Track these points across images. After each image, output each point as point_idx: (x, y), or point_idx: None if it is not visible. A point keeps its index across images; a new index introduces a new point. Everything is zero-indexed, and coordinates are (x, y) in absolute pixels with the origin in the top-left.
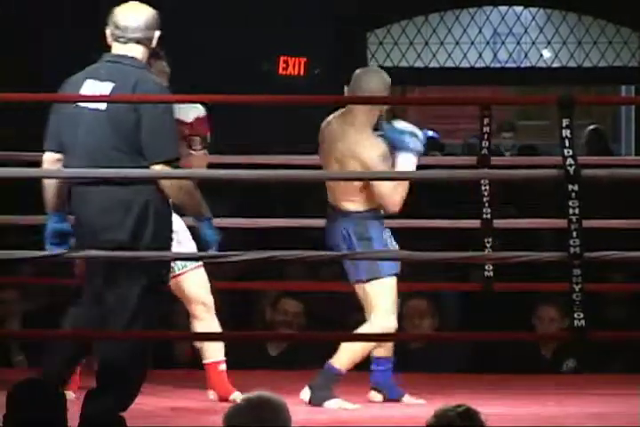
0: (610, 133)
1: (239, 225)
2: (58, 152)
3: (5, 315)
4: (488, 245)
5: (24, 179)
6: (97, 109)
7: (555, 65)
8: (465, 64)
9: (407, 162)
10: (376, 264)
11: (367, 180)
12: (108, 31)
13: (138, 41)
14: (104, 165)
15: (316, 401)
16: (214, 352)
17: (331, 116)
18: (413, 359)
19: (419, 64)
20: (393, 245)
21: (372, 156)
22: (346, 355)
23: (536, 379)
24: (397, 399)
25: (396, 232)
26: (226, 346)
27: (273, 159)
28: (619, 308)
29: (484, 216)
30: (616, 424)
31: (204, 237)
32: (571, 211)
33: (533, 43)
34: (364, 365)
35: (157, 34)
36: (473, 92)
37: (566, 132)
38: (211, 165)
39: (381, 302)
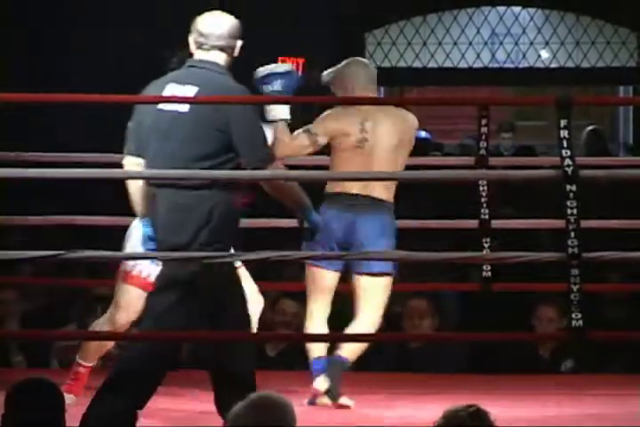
0: (608, 134)
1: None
2: (138, 156)
3: (4, 315)
4: (486, 246)
5: (24, 179)
6: (177, 111)
7: (553, 65)
8: (463, 64)
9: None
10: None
11: (368, 180)
12: (191, 39)
13: (220, 48)
14: (182, 166)
15: (334, 392)
16: None
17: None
18: (413, 359)
19: (417, 64)
20: None
21: None
22: (355, 345)
23: (535, 379)
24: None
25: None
26: None
27: None
28: (617, 308)
29: (482, 217)
30: (615, 425)
31: (309, 227)
32: (569, 211)
33: (531, 43)
34: (362, 364)
35: (240, 43)
36: (471, 93)
37: (564, 133)
38: None
39: (385, 297)
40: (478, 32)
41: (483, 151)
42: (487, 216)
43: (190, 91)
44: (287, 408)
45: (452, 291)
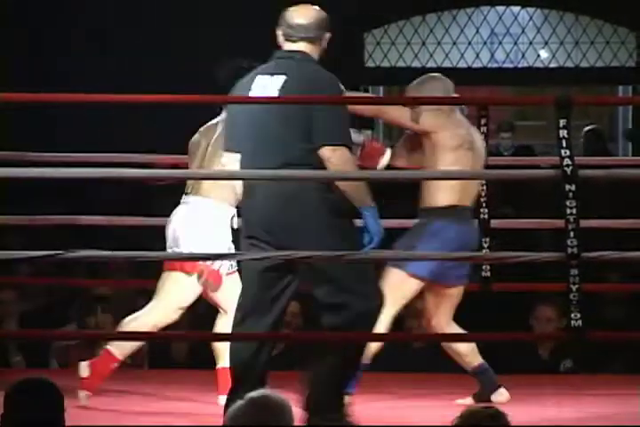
0: (607, 134)
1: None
2: (234, 152)
3: (3, 315)
4: (485, 246)
5: (25, 179)
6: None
7: (552, 65)
8: (462, 64)
9: None
10: None
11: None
12: (279, 31)
13: (308, 40)
14: (274, 156)
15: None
16: None
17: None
18: (414, 359)
19: (416, 64)
20: None
21: None
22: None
23: (534, 379)
24: None
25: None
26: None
27: None
28: (616, 308)
29: (482, 216)
30: (615, 424)
31: (366, 226)
32: (568, 211)
33: (530, 43)
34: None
35: (328, 35)
36: (470, 93)
37: (563, 133)
38: None
39: None
40: (477, 32)
41: None
42: (487, 216)
43: (278, 80)
44: (286, 408)
45: None
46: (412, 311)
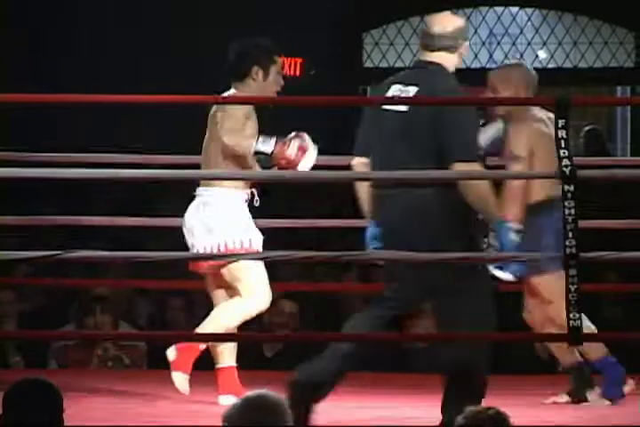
0: (605, 134)
1: None
2: (364, 156)
3: (1, 316)
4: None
5: (24, 179)
6: (397, 111)
7: (550, 66)
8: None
9: None
10: None
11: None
12: (419, 40)
13: (445, 49)
14: (403, 166)
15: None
16: (232, 357)
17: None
18: (415, 359)
19: None
20: None
21: None
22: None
23: (532, 379)
24: None
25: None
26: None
27: None
28: (615, 308)
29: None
30: (614, 425)
31: (500, 241)
32: (566, 211)
33: (529, 43)
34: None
35: (466, 44)
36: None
37: (562, 133)
38: None
39: None
40: (476, 32)
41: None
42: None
43: (412, 91)
44: (283, 408)
45: None
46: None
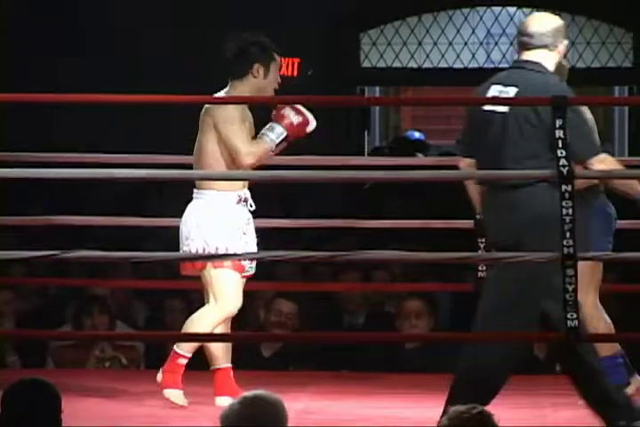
0: (603, 134)
1: None
2: (469, 157)
3: None
4: (481, 246)
5: (24, 179)
6: (498, 111)
7: None
8: (458, 64)
9: None
10: None
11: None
12: (517, 40)
13: (544, 47)
14: (509, 166)
15: None
16: (227, 358)
17: None
18: (409, 360)
19: (412, 64)
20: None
21: None
22: None
23: (529, 379)
24: None
25: (389, 232)
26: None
27: None
28: (613, 308)
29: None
30: None
31: None
32: (564, 211)
33: None
34: (357, 365)
35: (565, 42)
36: (466, 93)
37: (559, 133)
38: None
39: None
40: (474, 32)
41: None
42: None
43: (511, 91)
44: (279, 407)
45: (446, 291)
46: (403, 311)
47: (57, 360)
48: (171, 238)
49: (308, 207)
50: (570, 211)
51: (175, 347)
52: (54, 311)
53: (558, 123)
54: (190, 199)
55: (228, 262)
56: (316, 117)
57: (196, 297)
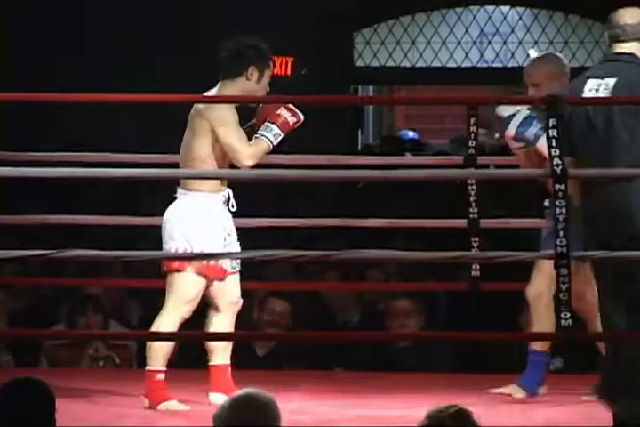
0: None
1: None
2: (570, 156)
3: None
4: (475, 245)
5: (26, 179)
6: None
7: None
8: (452, 64)
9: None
10: None
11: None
12: (606, 33)
13: (637, 40)
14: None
15: None
16: (225, 355)
17: None
18: (402, 359)
19: (405, 64)
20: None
21: None
22: None
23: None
24: None
25: (385, 232)
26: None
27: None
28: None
29: (471, 216)
30: (602, 424)
31: None
32: (557, 210)
33: (520, 42)
34: (349, 363)
35: None
36: (460, 92)
37: (553, 132)
38: None
39: None
40: (467, 31)
41: (472, 150)
42: (476, 215)
43: (610, 82)
44: (272, 407)
45: (440, 290)
46: (393, 311)
47: (51, 360)
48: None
49: (301, 206)
50: (563, 210)
51: (147, 366)
52: (48, 310)
53: (552, 122)
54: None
55: (192, 266)
56: (309, 116)
57: None
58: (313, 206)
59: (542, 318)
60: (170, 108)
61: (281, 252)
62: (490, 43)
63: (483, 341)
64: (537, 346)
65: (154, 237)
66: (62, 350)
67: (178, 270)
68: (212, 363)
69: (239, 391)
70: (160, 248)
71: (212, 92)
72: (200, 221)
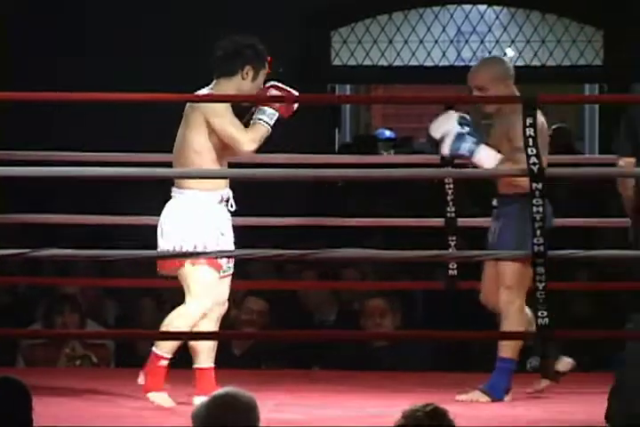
0: (574, 132)
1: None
2: (633, 156)
3: None
4: (452, 244)
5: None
6: None
7: (518, 63)
8: (429, 62)
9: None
10: None
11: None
12: None
13: None
14: None
15: None
16: (210, 357)
17: None
18: (379, 357)
19: (383, 62)
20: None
21: None
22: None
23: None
24: None
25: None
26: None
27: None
28: (584, 306)
29: (448, 215)
30: (581, 425)
31: None
32: (534, 209)
33: (497, 41)
34: (327, 362)
35: None
36: (437, 91)
37: (530, 131)
38: None
39: None
40: (444, 30)
41: None
42: (453, 214)
43: None
44: (251, 405)
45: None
46: (367, 310)
47: (27, 359)
48: (149, 237)
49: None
50: (540, 209)
51: (155, 348)
52: (24, 310)
53: (529, 121)
54: (168, 198)
55: (203, 260)
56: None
57: (168, 296)
58: (288, 206)
59: (512, 322)
60: (168, 109)
61: (259, 251)
62: (467, 42)
63: (460, 339)
64: (505, 353)
65: (132, 236)
66: (39, 349)
67: (192, 264)
68: (197, 366)
69: (219, 390)
70: (138, 247)
71: (206, 90)
72: (193, 219)
